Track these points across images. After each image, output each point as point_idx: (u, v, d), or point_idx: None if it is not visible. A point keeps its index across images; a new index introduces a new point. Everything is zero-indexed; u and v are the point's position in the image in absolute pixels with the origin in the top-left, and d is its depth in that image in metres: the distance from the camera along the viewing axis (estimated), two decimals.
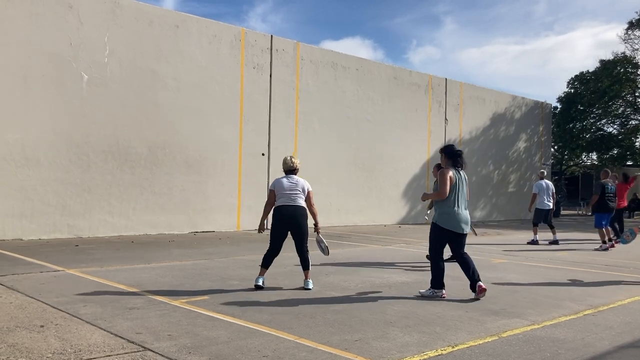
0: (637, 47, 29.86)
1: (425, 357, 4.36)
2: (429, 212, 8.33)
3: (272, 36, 16.51)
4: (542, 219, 13.63)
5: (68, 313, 5.43)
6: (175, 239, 12.83)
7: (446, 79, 22.10)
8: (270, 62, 16.38)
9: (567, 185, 36.76)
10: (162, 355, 4.24)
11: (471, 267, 6.64)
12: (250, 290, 6.84)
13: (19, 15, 11.98)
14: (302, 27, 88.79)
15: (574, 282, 8.07)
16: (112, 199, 13.26)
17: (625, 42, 30.17)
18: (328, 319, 5.46)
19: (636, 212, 29.25)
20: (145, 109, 13.84)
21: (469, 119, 23.07)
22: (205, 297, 6.37)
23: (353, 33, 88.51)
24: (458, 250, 6.78)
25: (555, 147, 33.70)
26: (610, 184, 12.75)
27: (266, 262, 7.03)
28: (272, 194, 7.05)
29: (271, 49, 16.40)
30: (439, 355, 4.41)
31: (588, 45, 76.21)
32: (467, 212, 6.86)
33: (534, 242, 13.43)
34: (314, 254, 7.53)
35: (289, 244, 7.12)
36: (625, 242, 9.22)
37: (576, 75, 32.53)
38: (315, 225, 7.16)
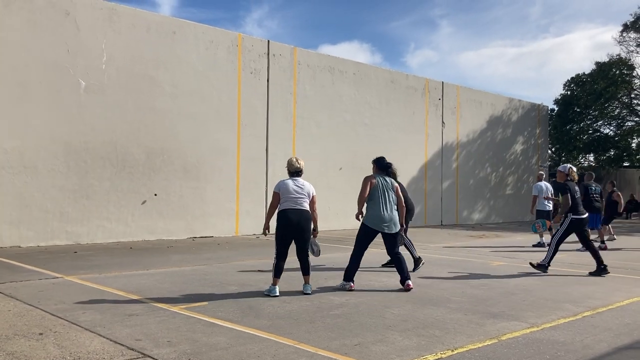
0: (632, 49, 29.99)
1: None
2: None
3: (268, 41, 16.55)
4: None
5: (67, 320, 5.43)
6: (174, 245, 12.82)
7: (443, 82, 22.16)
8: (268, 67, 16.42)
9: None
10: None
11: (403, 266, 7.45)
12: (250, 295, 6.84)
13: (17, 22, 12.00)
14: (299, 32, 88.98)
15: (573, 284, 8.08)
16: (111, 205, 13.26)
17: (621, 44, 30.32)
18: (327, 324, 5.46)
19: (634, 213, 29.32)
20: (143, 115, 13.85)
21: (466, 122, 23.12)
22: (205, 303, 6.37)
23: (351, 37, 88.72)
24: (391, 249, 7.49)
25: (553, 149, 33.78)
26: (594, 186, 12.98)
27: (279, 271, 6.86)
28: (276, 196, 6.95)
29: (268, 54, 16.43)
30: (438, 359, 4.42)
31: (585, 47, 76.48)
32: (393, 214, 7.46)
33: (540, 244, 13.40)
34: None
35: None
36: (535, 230, 9.29)
37: (572, 78, 32.64)
38: (314, 230, 7.15)
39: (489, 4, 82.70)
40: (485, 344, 4.85)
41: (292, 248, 7.06)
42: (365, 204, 7.46)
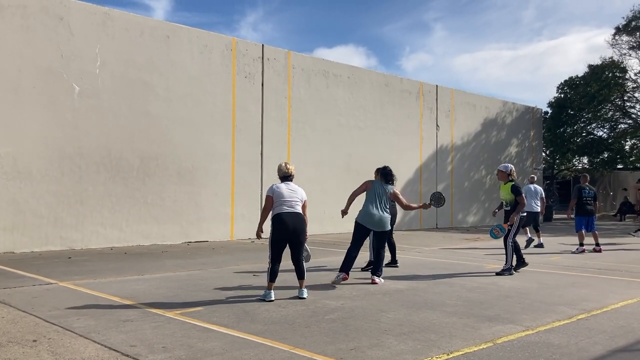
0: (624, 52, 30.16)
1: None
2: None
3: (263, 45, 16.56)
4: (531, 221, 13.78)
5: (61, 327, 5.40)
6: (169, 250, 12.79)
7: (437, 85, 22.22)
8: (262, 71, 16.42)
9: (559, 189, 36.97)
10: None
11: (380, 263, 8.40)
12: (245, 300, 6.83)
13: (10, 28, 11.96)
14: (294, 36, 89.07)
15: (567, 287, 8.11)
16: (105, 210, 13.21)
17: (613, 47, 30.47)
18: (323, 328, 5.45)
19: (628, 215, 29.43)
20: (137, 120, 13.82)
21: (460, 125, 23.19)
22: (200, 308, 6.35)
23: (346, 41, 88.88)
24: (376, 245, 8.43)
25: (547, 152, 33.89)
26: (587, 189, 13.07)
27: (274, 275, 6.84)
28: (270, 200, 6.91)
29: (262, 58, 16.44)
30: None
31: (580, 50, 76.87)
32: (383, 214, 8.23)
33: (529, 240, 13.68)
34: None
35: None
36: (495, 236, 9.51)
37: (565, 80, 32.76)
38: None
39: (482, 7, 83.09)
40: (481, 347, 4.85)
41: (287, 252, 7.05)
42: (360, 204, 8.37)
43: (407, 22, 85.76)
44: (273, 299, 6.74)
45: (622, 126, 32.58)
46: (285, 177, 7.11)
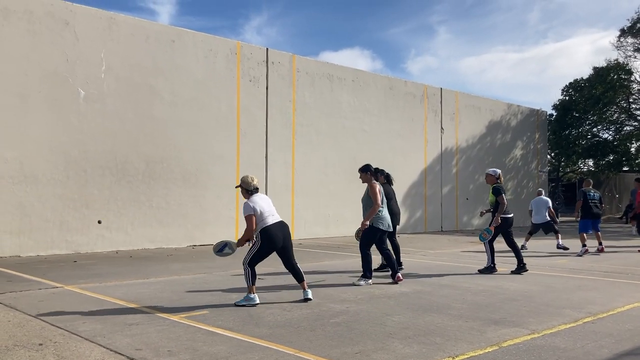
0: (629, 54, 30.08)
1: None
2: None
3: (267, 49, 16.60)
4: (539, 228, 14.15)
5: (67, 330, 5.42)
6: (174, 253, 12.81)
7: (441, 88, 22.21)
8: (267, 75, 16.46)
9: (564, 191, 36.86)
10: None
11: (370, 262, 8.44)
12: (250, 304, 6.82)
13: (16, 32, 12.04)
14: (298, 40, 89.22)
15: (573, 290, 8.07)
16: (110, 214, 13.25)
17: (618, 49, 30.39)
18: (328, 332, 5.45)
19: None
20: (142, 124, 13.87)
21: (465, 128, 23.16)
22: (205, 311, 6.36)
23: (351, 44, 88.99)
24: (380, 245, 8.57)
25: (552, 154, 33.81)
26: (592, 192, 13.24)
27: (255, 277, 6.77)
28: (252, 219, 6.70)
29: (267, 62, 16.48)
30: None
31: (587, 52, 76.64)
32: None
33: (560, 247, 13.60)
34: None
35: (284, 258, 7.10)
36: (483, 239, 9.81)
37: (570, 83, 32.73)
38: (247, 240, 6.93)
39: (486, 10, 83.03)
40: (486, 350, 4.84)
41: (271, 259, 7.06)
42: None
43: (412, 25, 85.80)
44: (258, 302, 6.69)
45: (628, 128, 32.49)
46: (256, 189, 7.03)
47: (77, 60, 12.85)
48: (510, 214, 9.98)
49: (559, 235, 13.85)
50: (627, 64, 30.12)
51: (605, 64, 30.52)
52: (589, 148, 32.34)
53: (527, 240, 14.27)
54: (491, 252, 9.77)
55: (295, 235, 16.83)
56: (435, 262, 11.49)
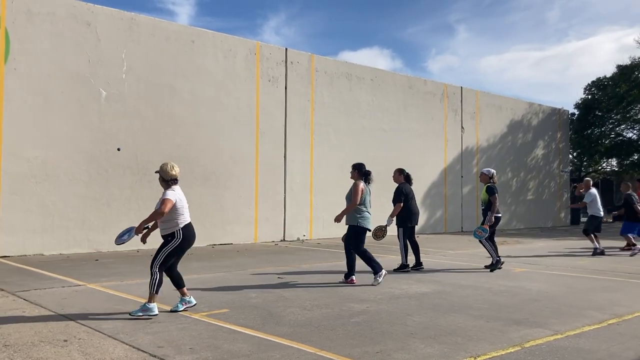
0: None
1: None
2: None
3: (286, 49, 16.63)
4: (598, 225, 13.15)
5: (90, 327, 5.48)
6: (194, 252, 12.88)
7: (462, 87, 22.04)
8: (285, 75, 16.49)
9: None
10: None
11: (371, 257, 8.46)
12: (270, 302, 6.84)
13: (40, 34, 12.22)
14: (316, 40, 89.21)
15: (597, 291, 7.95)
16: (131, 213, 13.37)
17: None
18: (348, 331, 5.44)
19: None
20: (162, 124, 13.99)
21: (485, 127, 22.95)
22: (226, 309, 6.39)
23: (371, 43, 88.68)
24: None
25: (574, 154, 33.33)
26: (634, 196, 13.43)
27: (160, 285, 6.07)
28: (169, 205, 6.08)
29: (286, 62, 16.51)
30: None
31: (610, 50, 75.23)
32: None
33: (598, 251, 12.86)
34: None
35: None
36: (478, 237, 10.00)
37: (593, 81, 32.23)
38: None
39: (505, 9, 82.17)
40: (508, 351, 4.79)
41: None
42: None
43: (430, 24, 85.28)
44: (157, 312, 5.97)
45: None
46: (174, 180, 6.30)
47: (98, 61, 13.01)
48: (500, 213, 10.34)
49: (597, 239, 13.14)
50: None
51: (630, 62, 30.01)
52: (612, 147, 31.82)
53: (596, 240, 12.92)
54: (493, 248, 10.06)
55: (314, 234, 16.84)
56: (455, 262, 11.41)
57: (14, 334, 5.21)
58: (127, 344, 4.90)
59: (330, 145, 17.47)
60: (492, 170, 10.47)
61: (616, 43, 73.33)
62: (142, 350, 4.72)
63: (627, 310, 6.56)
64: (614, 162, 35.01)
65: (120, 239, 6.28)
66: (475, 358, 4.58)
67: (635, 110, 31.15)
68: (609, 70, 47.38)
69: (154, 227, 6.40)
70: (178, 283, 6.42)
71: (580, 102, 32.62)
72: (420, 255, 10.20)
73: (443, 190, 21.10)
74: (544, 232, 21.29)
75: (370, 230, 8.54)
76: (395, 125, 19.35)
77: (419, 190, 20.10)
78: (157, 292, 6.05)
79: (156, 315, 5.94)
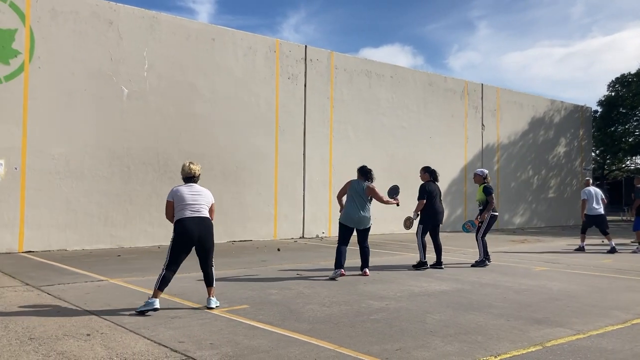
0: None
1: None
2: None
3: (306, 46, 16.64)
4: (592, 224, 13.41)
5: (112, 322, 5.57)
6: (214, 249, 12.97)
7: (482, 84, 21.84)
8: (305, 72, 16.50)
9: (610, 190, 35.75)
10: None
11: (367, 257, 9.19)
12: (290, 299, 6.87)
13: (63, 33, 12.40)
14: (336, 37, 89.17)
15: (620, 290, 7.83)
16: (153, 209, 13.52)
17: None
18: (368, 328, 5.44)
19: None
20: (183, 121, 14.11)
21: (506, 124, 22.72)
22: (245, 306, 6.44)
23: (391, 40, 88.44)
24: (360, 240, 9.16)
25: (597, 152, 32.84)
26: None
27: (165, 283, 6.13)
28: (170, 206, 6.32)
29: (305, 59, 16.52)
30: None
31: (637, 46, 73.90)
32: (361, 213, 9.00)
33: (580, 248, 13.31)
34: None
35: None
36: (467, 231, 10.56)
37: (617, 78, 31.73)
38: None
39: (527, 4, 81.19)
40: (529, 350, 4.75)
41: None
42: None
43: (451, 21, 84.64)
44: (158, 307, 5.97)
45: None
46: (189, 178, 6.49)
47: (120, 59, 13.16)
48: (497, 212, 10.72)
49: (610, 237, 13.14)
50: None
51: None
52: (636, 145, 31.28)
53: (609, 239, 13.04)
54: (484, 246, 10.41)
55: (333, 232, 16.83)
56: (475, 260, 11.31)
57: (39, 327, 5.31)
58: (148, 339, 4.97)
59: (349, 142, 17.45)
60: (486, 171, 10.86)
61: None
62: (163, 345, 4.78)
63: None
64: (638, 159, 34.42)
65: None
66: (495, 357, 4.55)
67: None
68: (634, 67, 46.52)
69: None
70: (206, 281, 6.55)
71: (603, 99, 32.12)
72: (441, 254, 10.13)
73: (463, 188, 20.96)
74: (565, 231, 21.01)
75: (348, 227, 8.90)
76: (415, 123, 19.26)
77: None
78: (160, 289, 6.08)
79: (156, 309, 5.93)
